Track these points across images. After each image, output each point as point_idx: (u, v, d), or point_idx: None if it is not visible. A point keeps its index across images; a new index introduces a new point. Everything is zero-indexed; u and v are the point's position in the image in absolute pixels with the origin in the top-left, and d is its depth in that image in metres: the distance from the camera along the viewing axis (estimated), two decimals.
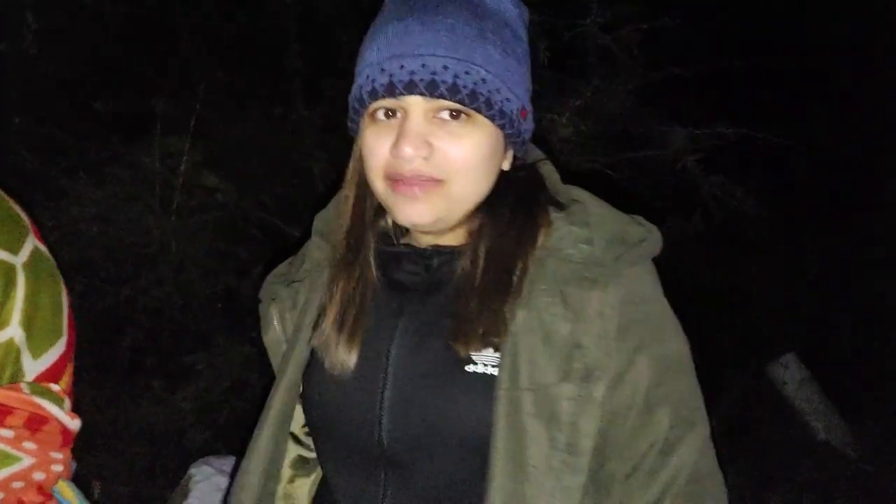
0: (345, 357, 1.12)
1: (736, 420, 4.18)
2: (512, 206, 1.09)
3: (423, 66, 0.99)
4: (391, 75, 1.00)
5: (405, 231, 1.18)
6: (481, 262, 1.08)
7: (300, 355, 1.17)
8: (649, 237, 1.10)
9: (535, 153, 1.18)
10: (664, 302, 1.11)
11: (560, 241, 1.07)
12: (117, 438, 3.56)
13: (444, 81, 0.99)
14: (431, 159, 1.03)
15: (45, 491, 1.31)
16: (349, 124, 1.13)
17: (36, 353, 1.32)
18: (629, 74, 3.28)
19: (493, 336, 1.05)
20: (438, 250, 1.13)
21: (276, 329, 1.24)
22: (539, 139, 3.48)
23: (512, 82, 1.04)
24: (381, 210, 1.17)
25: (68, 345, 1.38)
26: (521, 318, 1.04)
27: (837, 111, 4.97)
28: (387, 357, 1.10)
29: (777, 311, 4.81)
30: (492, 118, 1.03)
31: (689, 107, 3.36)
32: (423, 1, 1.04)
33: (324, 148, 3.54)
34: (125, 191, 3.51)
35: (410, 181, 1.03)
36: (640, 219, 1.13)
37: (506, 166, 1.11)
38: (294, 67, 3.52)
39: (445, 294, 1.10)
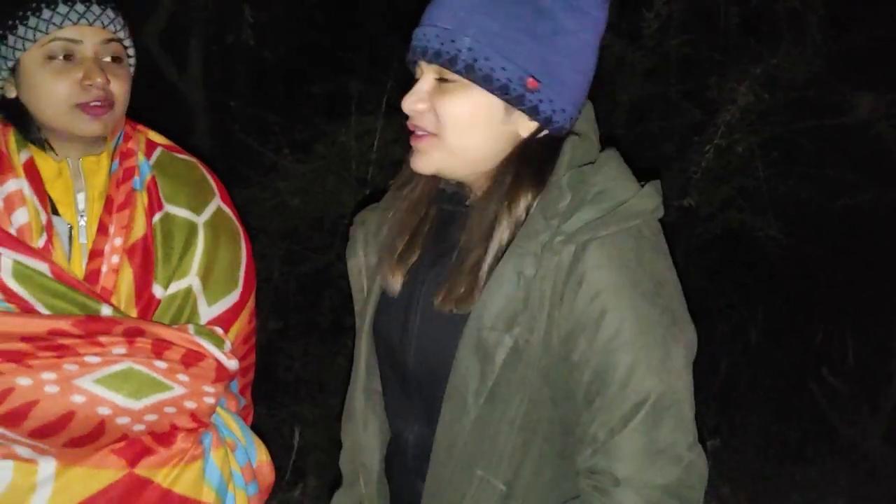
0: (391, 281, 1.27)
1: None
2: (515, 171, 1.17)
3: (425, 34, 1.14)
4: (413, 40, 1.17)
5: None
6: (473, 227, 1.18)
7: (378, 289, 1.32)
8: (638, 207, 1.12)
9: (587, 127, 1.22)
10: (641, 268, 1.12)
11: (551, 202, 1.13)
12: (318, 390, 3.91)
13: (432, 48, 1.13)
14: (427, 114, 1.17)
15: (198, 418, 1.43)
16: None
17: (211, 300, 1.47)
18: (818, 39, 3.17)
19: (466, 301, 1.16)
20: (458, 194, 1.24)
21: (359, 253, 1.37)
22: (716, 108, 3.43)
23: (512, 53, 1.12)
24: None
25: (241, 296, 1.53)
26: (496, 271, 1.14)
27: None
28: (421, 286, 1.24)
29: None
30: (477, 83, 1.12)
31: (881, 71, 3.20)
32: None
33: None
34: (325, 166, 3.80)
35: (416, 133, 1.19)
36: (645, 188, 1.14)
37: (523, 133, 1.18)
38: None
39: (455, 230, 1.23)
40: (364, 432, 1.35)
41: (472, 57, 1.11)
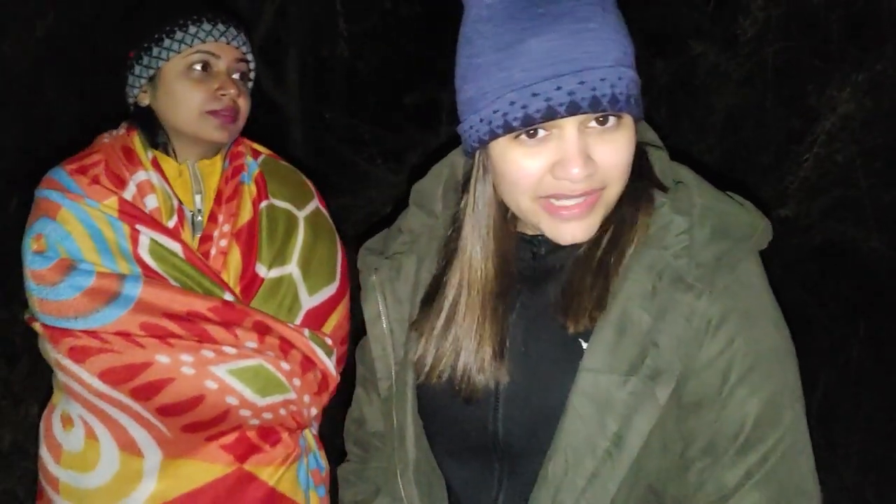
0: (500, 378, 1.10)
1: None
2: (626, 192, 1.06)
3: (582, 83, 0.93)
4: (548, 99, 0.94)
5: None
6: (601, 247, 1.06)
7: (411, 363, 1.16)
8: (756, 229, 1.05)
9: (648, 133, 1.14)
10: (767, 296, 1.06)
11: (661, 230, 1.04)
12: None
13: (604, 95, 0.94)
14: (595, 174, 1.00)
15: (302, 423, 1.52)
16: (469, 144, 1.06)
17: (311, 290, 1.56)
18: None
19: (598, 311, 1.03)
20: (546, 238, 1.09)
21: (377, 301, 1.22)
22: (815, 116, 3.34)
23: (633, 63, 1.01)
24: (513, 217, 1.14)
25: (339, 290, 1.62)
26: (609, 304, 1.03)
27: None
28: (502, 347, 1.09)
29: None
30: (640, 115, 1.02)
31: None
32: (546, 5, 0.96)
33: None
34: (417, 175, 3.87)
35: (573, 205, 1.01)
36: (750, 206, 1.08)
37: None
38: None
39: (557, 280, 1.09)
40: None
41: (634, 85, 0.98)
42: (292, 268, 1.56)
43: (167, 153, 1.55)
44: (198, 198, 1.55)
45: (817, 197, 3.34)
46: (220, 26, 1.52)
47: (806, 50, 3.40)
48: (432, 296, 1.17)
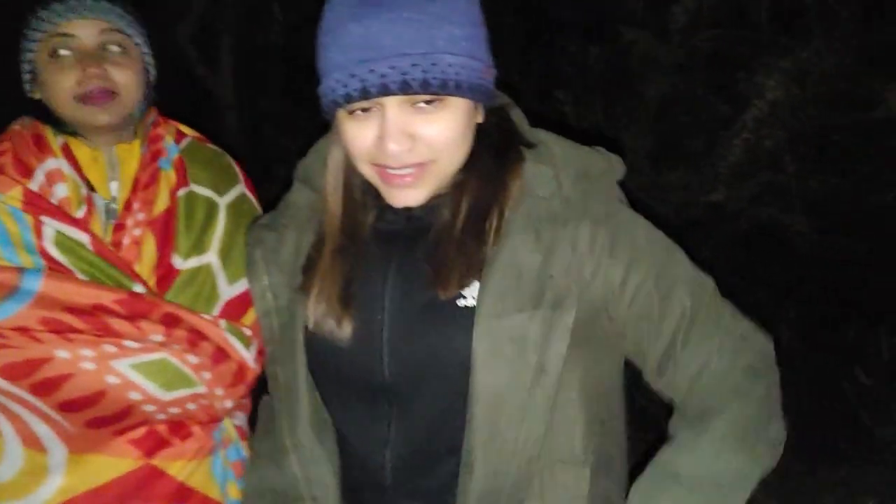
0: (339, 326, 1.19)
1: None
2: (490, 155, 1.16)
3: (393, 67, 1.02)
4: (363, 80, 1.03)
5: None
6: (461, 213, 1.15)
7: (300, 322, 1.24)
8: (611, 166, 1.21)
9: (501, 97, 1.23)
10: (634, 213, 1.21)
11: (531, 181, 1.15)
12: None
13: (414, 79, 1.02)
14: (416, 148, 1.08)
15: (214, 416, 1.47)
16: (323, 112, 1.15)
17: (232, 279, 1.50)
18: (848, 32, 3.12)
19: (469, 278, 1.12)
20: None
21: (262, 276, 1.30)
22: (745, 103, 3.39)
23: (476, 49, 1.08)
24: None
25: None
26: (498, 256, 1.12)
27: None
28: (382, 302, 1.18)
29: None
30: (464, 95, 1.07)
31: None
32: None
33: None
34: None
35: (402, 174, 1.10)
36: (601, 149, 1.22)
37: (479, 119, 1.15)
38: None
39: (427, 242, 1.17)
40: (316, 468, 1.25)
41: (456, 72, 1.05)
42: (211, 257, 1.50)
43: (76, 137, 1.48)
44: (114, 185, 1.49)
45: (746, 182, 3.41)
46: (72, 2, 1.42)
47: (735, 38, 3.46)
48: (313, 260, 1.24)
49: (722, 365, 1.16)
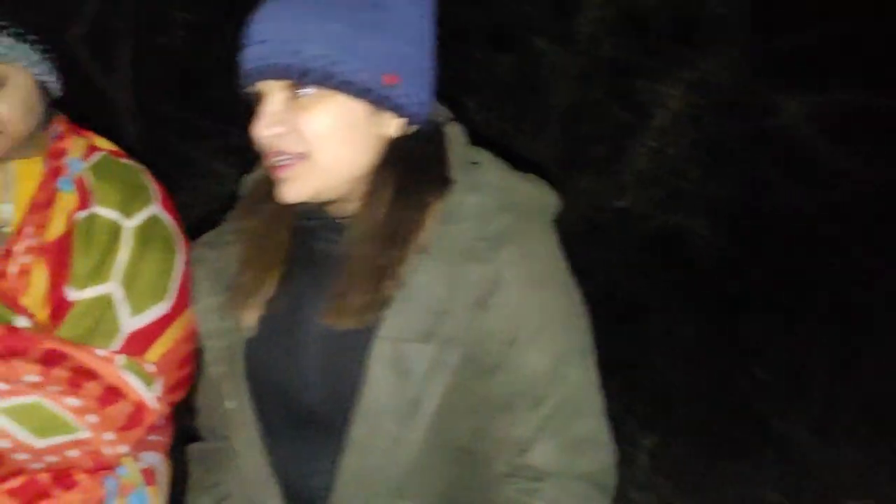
0: (243, 320, 1.18)
1: None
2: (400, 173, 1.12)
3: (259, 54, 1.06)
4: (247, 65, 1.08)
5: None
6: (368, 238, 1.11)
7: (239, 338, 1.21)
8: (545, 201, 1.16)
9: (444, 115, 1.20)
10: (555, 263, 1.15)
11: (454, 210, 1.11)
12: None
13: (276, 64, 1.05)
14: (289, 135, 1.07)
15: (104, 463, 1.35)
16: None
17: (136, 310, 1.36)
18: (744, 44, 3.26)
19: (368, 314, 1.09)
20: (334, 221, 1.16)
21: (203, 296, 1.25)
22: (648, 111, 3.50)
23: (363, 51, 1.06)
24: None
25: (173, 308, 1.40)
26: (405, 284, 1.09)
27: None
28: (305, 310, 1.15)
29: None
30: (336, 89, 1.06)
31: (806, 74, 3.30)
32: None
33: None
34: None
35: (279, 165, 1.09)
36: (540, 182, 1.17)
37: (392, 132, 1.12)
38: None
39: (330, 267, 1.14)
40: (268, 496, 1.18)
41: (324, 64, 1.05)
42: (112, 286, 1.36)
43: None
44: (6, 207, 1.37)
45: (651, 188, 3.52)
46: None
47: (638, 48, 3.56)
48: (244, 276, 1.21)
49: (561, 466, 1.12)
